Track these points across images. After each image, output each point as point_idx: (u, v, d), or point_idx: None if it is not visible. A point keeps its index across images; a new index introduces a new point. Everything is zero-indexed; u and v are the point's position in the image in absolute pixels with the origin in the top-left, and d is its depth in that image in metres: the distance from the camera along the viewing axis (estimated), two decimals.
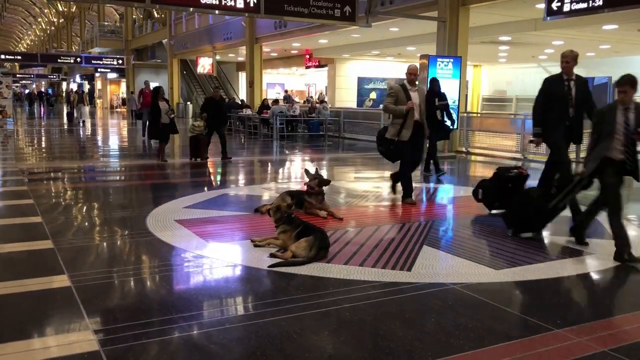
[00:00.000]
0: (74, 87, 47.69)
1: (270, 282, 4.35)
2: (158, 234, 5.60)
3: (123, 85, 45.14)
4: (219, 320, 3.56)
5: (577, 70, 6.06)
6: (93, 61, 39.08)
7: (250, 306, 3.90)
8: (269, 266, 4.54)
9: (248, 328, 3.42)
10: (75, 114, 25.92)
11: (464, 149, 14.44)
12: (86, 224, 6.36)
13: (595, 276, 4.67)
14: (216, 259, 4.83)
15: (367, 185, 9.21)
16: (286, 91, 33.72)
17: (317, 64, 27.93)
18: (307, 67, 29.17)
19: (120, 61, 38.49)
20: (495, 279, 4.40)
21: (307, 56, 27.29)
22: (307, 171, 6.81)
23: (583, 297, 4.27)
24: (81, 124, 24.85)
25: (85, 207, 7.30)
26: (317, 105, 20.29)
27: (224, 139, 12.45)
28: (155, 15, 36.38)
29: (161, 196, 7.93)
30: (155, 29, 37.13)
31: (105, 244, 5.43)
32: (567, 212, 5.82)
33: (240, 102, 24.27)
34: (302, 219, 5.19)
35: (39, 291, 4.03)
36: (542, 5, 11.65)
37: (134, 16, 41.13)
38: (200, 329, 3.43)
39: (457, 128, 13.64)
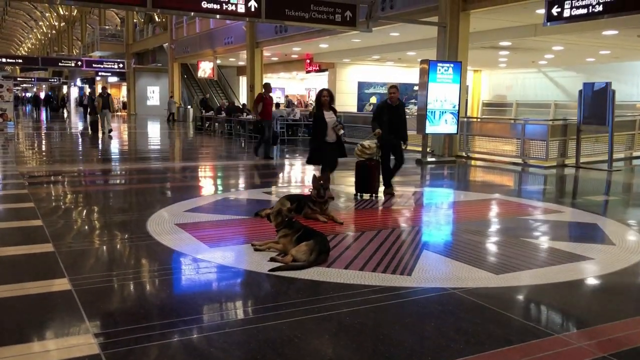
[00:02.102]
0: (91, 88, 47.15)
1: (270, 286, 4.36)
2: (158, 237, 5.60)
3: (124, 89, 45.20)
4: (219, 324, 3.56)
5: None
6: (94, 65, 39.14)
7: (251, 310, 3.91)
8: (270, 270, 4.54)
9: (248, 332, 3.42)
10: (100, 123, 20.74)
11: (464, 154, 14.45)
12: (91, 227, 6.37)
13: (595, 281, 4.67)
14: (216, 263, 4.84)
15: None
16: (287, 96, 33.77)
17: (317, 68, 27.98)
18: (308, 72, 29.21)
19: (121, 65, 38.55)
20: (495, 284, 4.40)
21: (308, 61, 27.35)
22: (315, 178, 6.80)
23: (583, 302, 4.27)
24: (109, 135, 19.97)
25: (86, 211, 7.31)
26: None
27: (401, 159, 8.75)
28: (156, 19, 36.46)
29: (162, 200, 7.94)
30: (156, 33, 37.19)
31: (106, 247, 5.43)
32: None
33: (241, 106, 24.29)
34: (302, 223, 5.20)
35: (39, 294, 4.03)
36: (542, 11, 11.68)
37: (135, 20, 41.20)
38: (201, 332, 3.43)
39: (457, 133, 13.66)
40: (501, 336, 3.41)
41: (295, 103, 29.23)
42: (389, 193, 8.43)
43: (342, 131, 7.83)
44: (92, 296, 3.98)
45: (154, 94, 41.09)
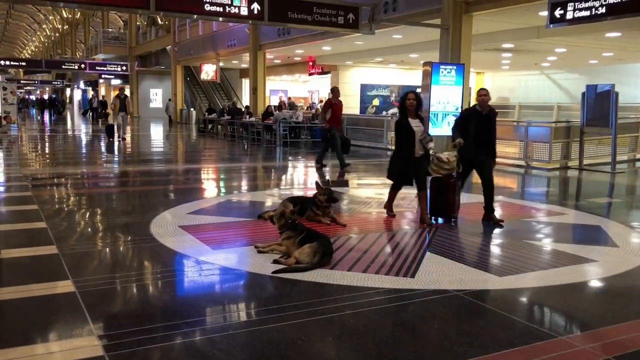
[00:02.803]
0: (94, 91, 46.91)
1: (273, 288, 4.36)
2: (162, 239, 5.61)
3: (127, 91, 45.29)
4: (222, 326, 3.57)
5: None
6: (97, 67, 39.25)
7: (254, 312, 3.91)
8: (273, 272, 4.55)
9: (251, 334, 3.43)
10: (116, 127, 18.96)
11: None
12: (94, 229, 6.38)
13: (598, 283, 4.67)
14: (219, 265, 4.84)
15: (370, 192, 9.21)
16: (289, 99, 33.71)
17: (320, 70, 28.02)
18: (310, 74, 29.25)
19: (124, 67, 38.66)
20: (498, 286, 4.40)
21: (311, 63, 27.38)
22: (317, 184, 6.80)
23: (587, 304, 4.27)
24: (121, 139, 18.68)
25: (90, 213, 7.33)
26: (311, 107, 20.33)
27: (490, 182, 6.86)
28: (159, 22, 36.55)
29: (165, 202, 7.96)
30: (159, 35, 37.29)
31: (110, 249, 5.45)
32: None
33: (243, 109, 24.34)
34: (305, 226, 5.20)
35: (43, 296, 4.04)
36: (545, 13, 11.68)
37: (137, 23, 41.32)
38: (204, 334, 3.43)
39: None
40: (505, 338, 3.40)
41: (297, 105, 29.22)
42: (496, 221, 6.66)
43: (431, 144, 6.56)
44: (95, 298, 3.99)
45: (156, 97, 41.17)
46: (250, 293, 4.33)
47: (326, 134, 12.36)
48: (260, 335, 3.41)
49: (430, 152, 6.68)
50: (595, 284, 4.66)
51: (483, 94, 6.81)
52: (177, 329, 3.48)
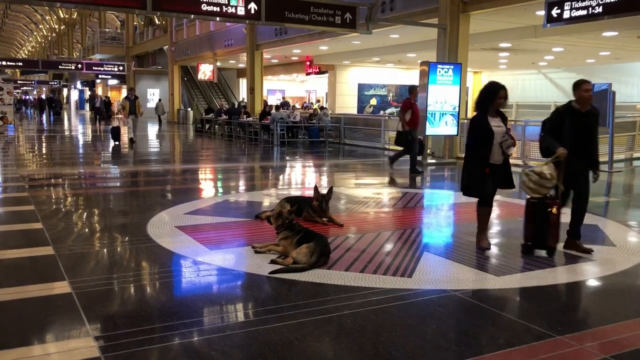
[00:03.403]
0: (91, 91, 46.60)
1: (271, 288, 4.35)
2: (158, 240, 5.60)
3: (124, 91, 45.26)
4: (219, 326, 3.56)
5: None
6: (94, 67, 39.20)
7: (251, 313, 3.90)
8: (270, 272, 4.54)
9: (249, 335, 3.42)
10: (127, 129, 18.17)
11: (464, 155, 14.43)
12: (86, 230, 6.36)
13: (596, 283, 4.67)
14: (217, 266, 4.83)
15: (367, 192, 9.21)
16: (283, 98, 33.74)
17: (317, 70, 28.02)
18: (308, 74, 29.24)
19: (121, 68, 38.61)
20: (496, 286, 4.40)
21: (308, 63, 27.38)
22: (316, 188, 6.76)
23: (584, 303, 4.27)
24: (130, 143, 17.60)
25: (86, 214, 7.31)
26: (318, 111, 20.34)
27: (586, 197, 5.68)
28: (157, 21, 36.52)
29: (162, 203, 7.94)
30: (156, 35, 37.25)
31: (106, 250, 5.43)
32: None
33: (241, 108, 24.33)
34: (302, 226, 5.19)
35: (39, 297, 4.03)
36: (542, 12, 11.70)
37: (135, 23, 41.29)
38: (201, 335, 3.42)
39: (457, 134, 13.66)
40: (502, 338, 3.40)
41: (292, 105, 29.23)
42: (583, 250, 5.38)
43: (512, 149, 5.36)
44: (92, 299, 3.97)
45: (154, 97, 41.13)
46: (247, 293, 4.32)
47: (407, 136, 11.33)
48: (257, 335, 3.40)
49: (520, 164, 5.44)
50: (592, 283, 4.66)
51: (587, 89, 5.20)
52: (174, 329, 3.47)
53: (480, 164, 5.33)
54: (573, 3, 10.98)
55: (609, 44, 18.42)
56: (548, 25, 11.73)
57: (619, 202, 9.02)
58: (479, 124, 5.33)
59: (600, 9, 10.55)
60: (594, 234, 6.29)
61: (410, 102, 11.29)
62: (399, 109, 11.16)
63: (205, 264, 4.88)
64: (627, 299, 4.28)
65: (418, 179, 10.93)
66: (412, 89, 11.54)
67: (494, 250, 5.71)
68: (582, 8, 10.85)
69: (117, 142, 17.57)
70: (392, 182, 10.56)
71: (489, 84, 5.32)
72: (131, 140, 17.68)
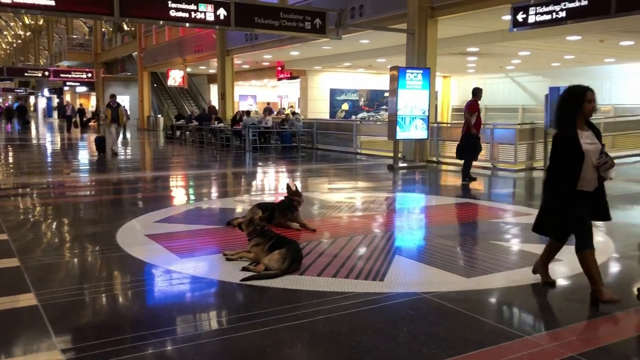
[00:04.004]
0: (59, 98, 45.35)
1: (243, 296, 4.33)
2: (128, 249, 5.52)
3: (93, 99, 44.59)
4: (191, 336, 3.52)
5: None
6: (62, 75, 38.54)
7: (223, 321, 3.87)
8: (242, 280, 4.51)
9: (221, 343, 3.39)
10: (108, 140, 16.43)
11: (434, 159, 14.61)
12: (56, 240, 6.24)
13: (563, 282, 4.75)
14: (187, 274, 4.78)
15: (340, 196, 9.23)
16: (268, 104, 33.70)
17: (289, 75, 28.03)
18: (279, 79, 29.25)
19: (89, 74, 38.03)
20: (466, 287, 4.45)
21: (279, 68, 27.37)
22: (288, 186, 6.77)
23: (552, 303, 4.34)
24: (112, 154, 16.20)
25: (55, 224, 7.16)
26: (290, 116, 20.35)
27: None
28: (125, 28, 36.12)
29: (132, 211, 7.83)
30: (125, 41, 36.82)
31: (74, 260, 5.33)
32: None
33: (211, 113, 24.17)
34: (274, 232, 5.17)
35: (3, 311, 3.93)
36: (508, 17, 11.93)
37: (103, 29, 40.74)
38: (172, 345, 3.38)
39: (427, 138, 13.80)
40: (473, 339, 3.44)
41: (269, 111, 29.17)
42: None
43: (612, 172, 4.25)
44: (59, 311, 3.89)
45: (123, 103, 40.54)
46: (219, 301, 4.29)
47: (475, 140, 10.69)
48: (229, 344, 3.37)
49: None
50: (560, 282, 4.74)
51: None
52: (144, 340, 3.42)
53: (568, 194, 4.11)
54: (537, 8, 11.22)
55: (573, 48, 18.86)
56: (514, 29, 11.97)
57: None
58: (568, 141, 4.09)
59: (563, 14, 10.81)
60: None
61: (477, 104, 10.71)
62: (467, 112, 10.52)
63: (176, 272, 4.83)
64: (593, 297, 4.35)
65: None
66: (477, 91, 10.86)
67: (464, 252, 5.79)
68: (547, 13, 11.10)
69: (101, 154, 16.12)
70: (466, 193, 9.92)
71: (571, 88, 4.23)
72: (114, 153, 16.26)
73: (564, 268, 5.07)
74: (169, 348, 3.34)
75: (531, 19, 11.39)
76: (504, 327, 3.65)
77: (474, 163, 11.03)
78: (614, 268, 5.17)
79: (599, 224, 7.05)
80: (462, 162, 10.86)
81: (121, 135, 16.73)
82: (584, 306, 4.10)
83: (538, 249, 5.68)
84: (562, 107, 4.22)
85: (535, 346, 3.36)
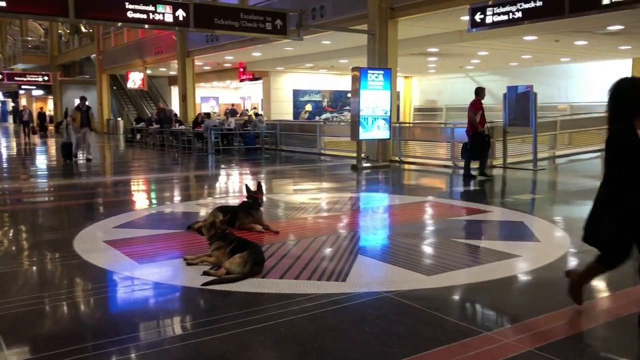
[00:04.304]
0: (15, 102, 44.01)
1: (203, 300, 4.26)
2: (86, 256, 5.38)
3: (50, 102, 43.48)
4: (149, 343, 3.44)
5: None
6: (16, 78, 37.46)
7: (183, 327, 3.80)
8: (202, 284, 4.44)
9: (181, 350, 3.33)
10: (75, 147, 15.57)
11: (397, 158, 14.73)
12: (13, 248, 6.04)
13: (522, 277, 4.84)
14: (147, 280, 4.68)
15: (304, 198, 9.21)
16: (232, 105, 33.44)
17: (251, 77, 27.90)
18: (242, 80, 29.07)
19: (46, 78, 37.06)
20: (427, 285, 4.48)
21: (241, 69, 27.21)
22: (247, 187, 6.72)
23: (511, 298, 4.41)
24: (86, 159, 15.42)
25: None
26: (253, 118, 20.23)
27: None
28: (83, 30, 35.34)
29: (91, 217, 7.65)
30: (82, 44, 36.03)
31: (28, 269, 5.16)
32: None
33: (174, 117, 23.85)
34: (236, 235, 5.12)
35: None
36: (467, 18, 12.12)
37: (59, 31, 39.78)
38: (131, 353, 3.30)
39: (390, 138, 13.90)
40: (433, 337, 3.46)
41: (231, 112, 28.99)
42: None
43: None
44: (10, 322, 3.76)
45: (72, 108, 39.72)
46: (180, 307, 4.21)
47: (484, 138, 11.10)
48: (189, 350, 3.31)
49: None
50: (519, 278, 4.83)
51: None
52: (101, 349, 3.33)
53: (634, 206, 3.40)
54: (495, 9, 11.45)
55: (529, 48, 19.30)
56: (473, 30, 12.18)
57: (544, 199, 9.42)
58: (633, 145, 3.38)
59: (520, 14, 11.05)
60: (520, 231, 6.55)
61: (480, 102, 11.08)
62: (471, 110, 10.84)
63: (136, 278, 4.72)
64: (550, 291, 4.45)
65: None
66: (480, 90, 11.25)
67: (426, 250, 5.84)
68: (503, 13, 11.33)
69: (68, 161, 15.16)
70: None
71: (625, 82, 3.57)
72: (87, 160, 15.37)
73: (522, 264, 5.17)
74: (128, 356, 3.26)
75: (489, 20, 11.62)
76: (464, 324, 3.69)
77: (470, 161, 11.37)
78: (572, 262, 5.29)
79: (558, 219, 7.24)
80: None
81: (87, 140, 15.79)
82: (543, 301, 4.18)
83: (497, 245, 5.80)
84: (619, 104, 3.53)
85: (494, 342, 3.40)
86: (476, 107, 10.96)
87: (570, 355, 3.20)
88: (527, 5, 10.86)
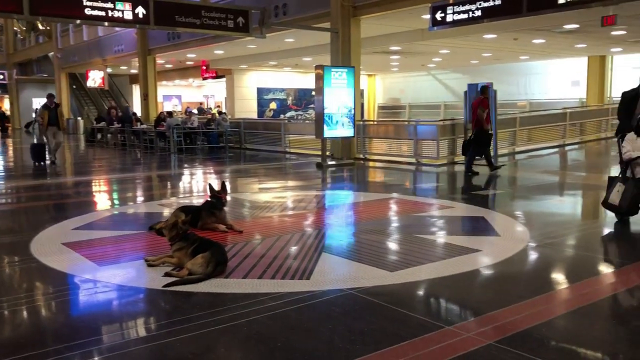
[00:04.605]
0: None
1: (166, 302, 4.20)
2: (43, 259, 5.24)
3: (6, 101, 42.18)
4: (112, 346, 3.37)
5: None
6: None
7: (146, 329, 3.75)
8: (164, 286, 4.38)
9: (144, 352, 3.27)
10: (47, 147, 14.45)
11: (362, 156, 14.81)
12: None
13: (482, 272, 4.92)
14: (108, 283, 4.59)
15: (269, 196, 9.18)
16: (201, 104, 33.05)
17: (214, 75, 27.62)
18: (204, 79, 28.78)
19: (1, 76, 35.94)
20: (390, 281, 4.52)
21: (204, 67, 26.92)
22: (210, 186, 6.64)
23: (472, 292, 4.47)
24: (52, 162, 14.21)
25: None
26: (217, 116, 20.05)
27: None
28: (40, 27, 34.39)
29: (49, 219, 7.45)
30: (40, 41, 35.08)
31: None
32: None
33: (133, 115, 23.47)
34: (198, 235, 5.06)
35: None
36: (428, 16, 12.25)
37: (15, 28, 38.61)
38: (94, 357, 3.23)
39: (354, 136, 13.97)
40: (395, 333, 3.49)
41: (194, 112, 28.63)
42: None
43: None
44: None
45: (40, 106, 38.70)
46: (141, 309, 4.14)
47: (489, 136, 11.58)
48: (151, 353, 3.26)
49: None
50: (480, 272, 4.91)
51: None
52: (58, 354, 3.24)
53: None
54: (455, 7, 11.61)
55: (489, 46, 19.65)
56: (434, 28, 12.33)
57: (503, 194, 9.61)
58: None
59: (479, 13, 11.24)
60: (481, 226, 6.66)
61: (487, 100, 11.42)
62: (481, 109, 11.15)
63: (95, 281, 4.63)
64: (510, 285, 4.55)
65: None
66: (486, 89, 11.73)
67: (389, 246, 5.89)
68: (464, 12, 11.50)
69: (40, 163, 14.12)
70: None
71: None
72: (52, 162, 14.16)
73: (483, 258, 5.26)
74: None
75: (449, 18, 11.78)
76: (426, 319, 3.73)
77: (474, 157, 11.59)
78: (532, 255, 5.41)
79: (518, 214, 7.39)
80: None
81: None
82: (503, 294, 4.26)
83: (459, 240, 5.88)
84: None
85: (456, 336, 3.45)
86: (484, 104, 11.28)
87: (530, 347, 3.27)
88: (486, 4, 11.05)
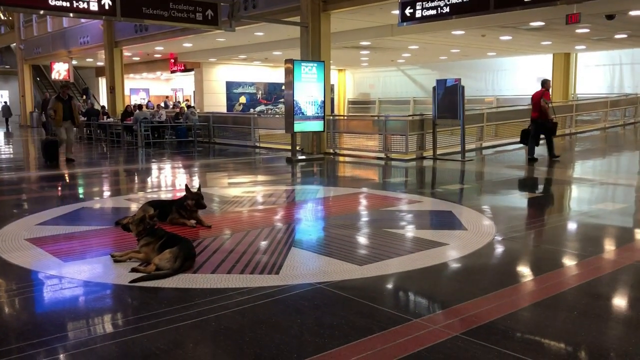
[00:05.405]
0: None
1: (133, 298, 4.15)
2: (6, 255, 5.11)
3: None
4: (77, 343, 3.32)
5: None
6: None
7: (112, 325, 3.69)
8: (131, 281, 4.32)
9: (110, 349, 3.23)
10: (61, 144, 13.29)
11: (331, 151, 14.84)
12: None
13: (449, 265, 4.99)
14: (73, 279, 4.51)
15: (238, 191, 9.13)
16: (185, 100, 32.58)
17: (182, 68, 27.32)
18: (173, 72, 28.44)
19: None
20: (359, 275, 4.55)
21: (172, 60, 26.59)
22: (187, 188, 6.54)
23: (439, 285, 4.54)
24: (68, 160, 13.20)
25: None
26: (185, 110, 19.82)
27: None
28: (1, 17, 33.42)
29: (10, 214, 7.27)
30: (1, 32, 34.10)
31: None
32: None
33: (99, 109, 23.06)
34: (166, 230, 5.01)
35: None
36: (397, 12, 12.33)
37: None
38: (59, 354, 3.17)
39: (324, 130, 13.98)
40: (364, 326, 3.52)
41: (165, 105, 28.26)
42: None
43: None
44: None
45: (2, 98, 37.70)
46: (107, 305, 4.08)
47: (555, 125, 12.25)
48: (118, 349, 3.21)
49: None
50: (447, 265, 4.98)
51: None
52: (21, 352, 3.18)
53: None
54: (424, 3, 11.71)
55: (458, 42, 19.88)
56: (403, 24, 12.40)
57: (471, 189, 9.75)
58: None
59: (447, 9, 11.36)
60: (449, 220, 6.75)
61: (549, 92, 12.18)
62: (544, 101, 11.89)
63: (60, 277, 4.54)
64: (477, 277, 4.62)
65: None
66: (546, 82, 12.38)
67: (358, 240, 5.92)
68: (432, 8, 11.61)
69: (52, 162, 13.00)
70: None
71: None
72: (68, 160, 13.18)
73: (449, 252, 5.33)
74: (56, 357, 3.13)
75: (418, 14, 11.87)
76: (394, 312, 3.77)
77: (535, 146, 12.35)
78: (498, 249, 5.50)
79: (484, 208, 7.51)
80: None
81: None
82: (470, 287, 4.33)
83: (426, 234, 5.96)
84: None
85: (423, 328, 3.49)
86: (546, 96, 12.02)
87: (496, 339, 3.33)
88: (454, 1, 11.17)
